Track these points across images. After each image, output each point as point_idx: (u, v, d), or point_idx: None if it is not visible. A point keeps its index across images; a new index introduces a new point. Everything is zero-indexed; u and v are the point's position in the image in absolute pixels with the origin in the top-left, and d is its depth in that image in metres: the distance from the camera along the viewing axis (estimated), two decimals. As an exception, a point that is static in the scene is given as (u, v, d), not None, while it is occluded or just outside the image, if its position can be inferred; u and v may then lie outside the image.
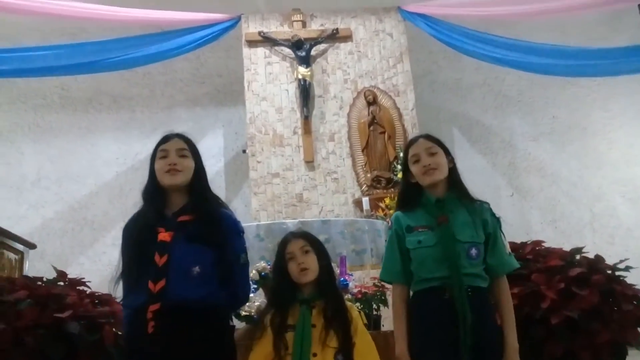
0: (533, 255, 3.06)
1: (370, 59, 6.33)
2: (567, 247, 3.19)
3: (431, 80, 7.02)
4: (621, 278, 2.96)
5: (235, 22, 6.34)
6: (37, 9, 5.54)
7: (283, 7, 6.39)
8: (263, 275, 3.14)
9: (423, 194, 2.12)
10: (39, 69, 5.84)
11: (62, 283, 3.07)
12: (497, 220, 2.12)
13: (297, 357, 1.89)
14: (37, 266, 4.53)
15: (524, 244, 3.19)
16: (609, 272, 2.96)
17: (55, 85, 6.66)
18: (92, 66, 5.96)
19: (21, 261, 4.16)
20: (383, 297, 3.13)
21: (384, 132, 5.96)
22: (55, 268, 3.18)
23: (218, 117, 6.85)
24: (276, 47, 6.29)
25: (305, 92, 6.04)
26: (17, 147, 6.52)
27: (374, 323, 3.07)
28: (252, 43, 6.31)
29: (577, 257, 3.08)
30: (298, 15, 6.35)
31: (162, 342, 1.78)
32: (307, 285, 2.03)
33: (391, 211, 4.60)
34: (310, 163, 5.97)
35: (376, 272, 2.78)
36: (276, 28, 6.36)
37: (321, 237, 3.71)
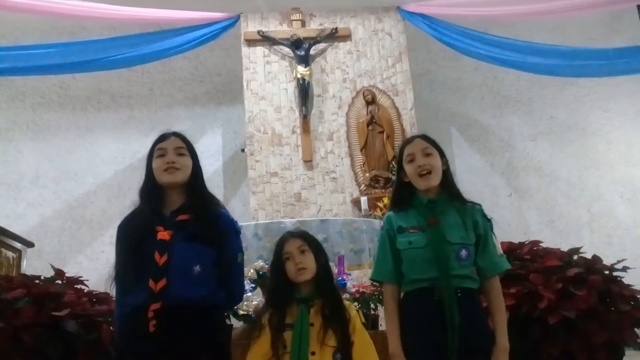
0: (531, 256, 3.07)
1: (369, 59, 6.33)
2: (564, 248, 3.20)
3: (430, 79, 7.03)
4: (618, 278, 2.97)
5: (234, 21, 6.34)
6: (36, 7, 5.53)
7: (282, 6, 6.39)
8: (261, 275, 3.15)
9: (415, 195, 2.12)
10: (37, 67, 5.82)
11: (59, 282, 3.08)
12: (489, 221, 2.12)
13: (295, 356, 1.89)
14: (34, 265, 4.53)
15: (521, 244, 3.20)
16: (607, 272, 2.97)
17: (54, 83, 6.66)
18: (91, 65, 5.96)
19: (19, 260, 4.16)
20: (381, 297, 3.13)
21: (382, 132, 5.96)
22: (53, 267, 3.19)
23: (217, 116, 6.85)
24: (275, 46, 6.29)
25: (304, 92, 6.04)
26: (15, 146, 6.51)
27: (371, 322, 3.08)
28: (251, 42, 6.30)
29: (575, 257, 3.09)
30: (297, 15, 6.35)
31: (163, 341, 1.79)
32: (304, 284, 2.03)
33: (390, 211, 4.59)
34: (308, 162, 5.97)
35: (374, 272, 2.78)
36: (275, 27, 6.36)
37: (319, 237, 3.72)
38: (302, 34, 6.20)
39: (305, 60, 6.11)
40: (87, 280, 3.14)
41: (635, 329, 2.82)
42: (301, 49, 6.12)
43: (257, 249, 3.87)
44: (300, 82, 6.04)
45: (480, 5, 6.27)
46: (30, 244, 4.39)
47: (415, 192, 2.13)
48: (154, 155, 2.02)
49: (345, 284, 3.16)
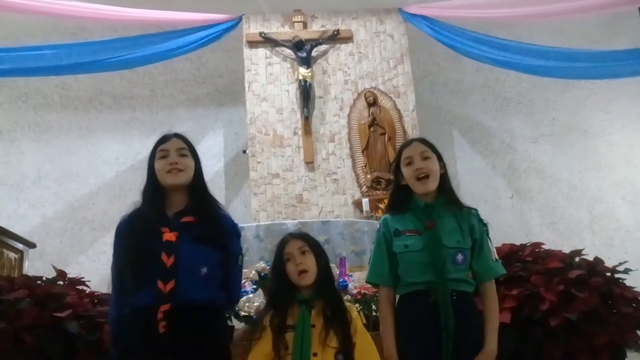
0: (532, 257, 3.07)
1: (370, 60, 6.34)
2: (566, 249, 3.20)
3: (431, 81, 7.03)
4: (620, 280, 2.97)
5: (236, 22, 6.34)
6: (38, 8, 5.55)
7: (284, 8, 6.40)
8: (262, 276, 3.15)
9: (412, 198, 2.13)
10: (39, 68, 5.83)
11: (61, 282, 3.08)
12: (485, 226, 2.12)
13: (297, 357, 1.89)
14: (36, 265, 4.53)
15: (523, 246, 3.20)
16: (608, 274, 2.97)
17: (56, 84, 6.67)
18: (92, 66, 5.96)
19: (21, 260, 4.16)
20: (382, 298, 3.13)
21: (384, 134, 5.96)
22: (55, 267, 3.19)
23: (218, 118, 6.85)
24: (277, 48, 6.29)
25: (306, 93, 6.04)
26: (17, 146, 6.52)
27: (373, 324, 3.08)
28: (252, 44, 6.31)
29: (577, 259, 3.09)
30: (299, 16, 6.35)
31: (172, 342, 1.79)
32: (306, 286, 2.03)
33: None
34: (310, 164, 5.98)
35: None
36: (277, 29, 6.37)
37: (321, 238, 3.73)
38: (304, 36, 6.21)
39: (307, 61, 6.11)
40: (88, 281, 3.15)
41: (637, 331, 2.82)
42: (303, 51, 6.12)
43: (259, 250, 3.88)
44: (302, 83, 6.05)
45: (482, 8, 6.28)
46: (31, 245, 4.40)
47: (412, 195, 2.13)
48: (156, 156, 2.02)
49: (346, 285, 3.16)
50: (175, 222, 1.93)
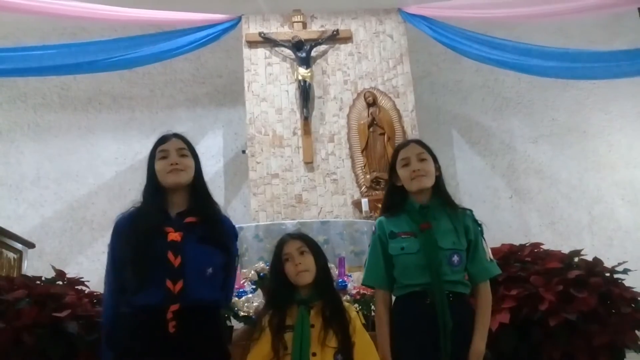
0: (532, 258, 3.07)
1: (370, 61, 6.34)
2: (565, 250, 3.20)
3: (431, 82, 7.03)
4: (619, 281, 2.97)
5: (235, 22, 6.34)
6: (37, 8, 5.54)
7: (283, 8, 6.40)
8: (262, 276, 3.15)
9: (407, 200, 2.12)
10: (38, 68, 5.83)
11: (60, 282, 3.08)
12: (479, 226, 2.12)
13: (297, 357, 1.89)
14: (35, 265, 4.54)
15: (522, 246, 3.20)
16: (607, 274, 2.97)
17: (55, 84, 6.66)
18: (92, 66, 5.96)
19: (20, 260, 4.16)
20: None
21: (383, 134, 5.96)
22: (54, 267, 3.19)
23: (218, 118, 6.85)
24: (276, 48, 6.29)
25: (305, 93, 6.04)
26: (16, 147, 6.51)
27: (372, 324, 3.08)
28: (252, 44, 6.31)
29: (576, 259, 3.09)
30: (298, 16, 6.35)
31: (180, 341, 1.80)
32: (304, 286, 2.03)
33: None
34: (309, 164, 5.97)
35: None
36: (276, 29, 6.37)
37: (320, 238, 3.74)
38: (304, 36, 6.20)
39: (307, 62, 6.11)
40: (87, 281, 3.15)
41: (636, 331, 2.82)
42: (302, 51, 6.12)
43: (258, 250, 3.88)
44: (302, 83, 6.05)
45: (481, 8, 6.28)
46: (31, 245, 4.40)
47: (407, 197, 2.13)
48: (156, 157, 2.02)
49: (346, 285, 3.16)
50: (178, 222, 1.93)
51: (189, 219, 1.94)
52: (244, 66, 6.23)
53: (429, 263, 1.98)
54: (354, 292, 3.13)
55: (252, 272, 3.20)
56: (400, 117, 6.08)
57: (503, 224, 6.33)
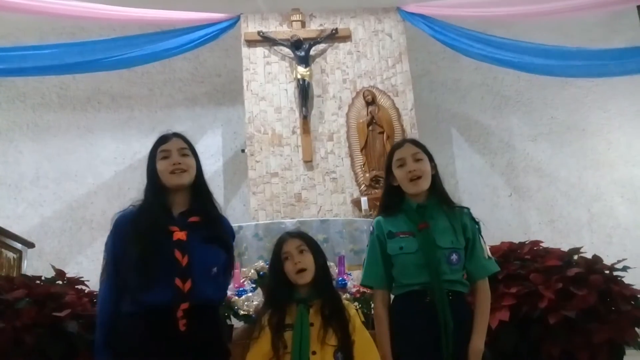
0: (531, 255, 3.07)
1: (369, 59, 6.33)
2: (565, 247, 3.20)
3: (430, 80, 7.03)
4: (619, 278, 2.97)
5: (234, 21, 6.34)
6: (36, 7, 5.53)
7: (282, 7, 6.39)
8: (261, 275, 3.15)
9: (404, 199, 2.13)
10: (37, 68, 5.82)
11: (60, 282, 3.08)
12: (477, 224, 2.12)
13: (296, 356, 1.89)
14: (35, 265, 4.54)
15: (522, 244, 3.20)
16: (607, 272, 2.97)
17: (54, 84, 6.66)
18: (90, 65, 5.96)
19: (19, 260, 4.16)
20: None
21: (382, 132, 5.96)
22: (53, 267, 3.19)
23: (217, 117, 6.85)
24: (275, 47, 6.29)
25: (304, 92, 6.04)
26: (15, 146, 6.51)
27: (372, 322, 3.08)
28: (251, 43, 6.30)
29: (575, 257, 3.10)
30: (297, 15, 6.35)
31: (190, 340, 1.80)
32: (303, 284, 2.03)
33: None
34: (309, 163, 5.97)
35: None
36: (275, 28, 6.36)
37: (320, 237, 3.74)
38: (302, 35, 6.20)
39: (305, 60, 6.11)
40: (87, 280, 3.15)
41: (636, 329, 2.83)
42: (301, 50, 6.12)
43: (258, 249, 3.88)
44: (300, 82, 6.04)
45: (480, 6, 6.27)
46: (30, 245, 4.40)
47: (404, 196, 2.13)
48: (158, 157, 2.02)
49: (345, 284, 3.17)
50: (182, 222, 1.93)
51: (192, 219, 1.94)
52: (242, 65, 6.23)
53: (428, 262, 1.98)
54: (353, 290, 3.13)
55: (252, 270, 3.20)
56: (399, 115, 6.08)
57: (502, 222, 6.34)
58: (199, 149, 2.12)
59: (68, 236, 6.27)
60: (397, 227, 2.08)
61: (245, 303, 2.91)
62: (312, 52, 6.21)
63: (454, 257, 2.01)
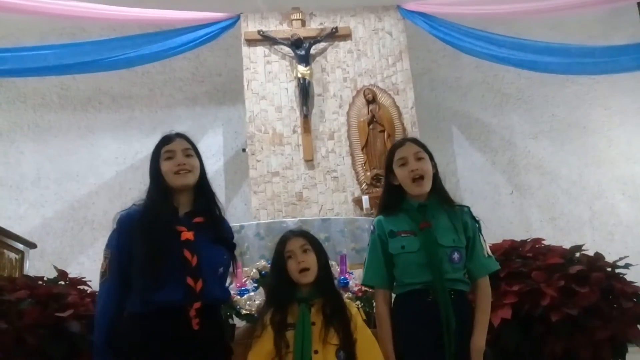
0: (533, 253, 3.08)
1: (369, 58, 6.33)
2: (566, 245, 3.20)
3: (430, 78, 7.02)
4: (621, 275, 2.98)
5: (234, 21, 6.33)
6: (35, 8, 5.53)
7: (282, 6, 6.38)
8: (263, 274, 3.15)
9: (405, 198, 2.12)
10: (38, 68, 5.82)
11: (62, 282, 3.08)
12: (477, 223, 2.12)
13: (298, 355, 1.89)
14: (37, 266, 4.55)
15: (523, 242, 3.21)
16: (609, 269, 2.97)
17: (55, 84, 6.66)
18: (91, 65, 5.95)
19: (21, 261, 4.16)
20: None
21: (383, 131, 5.95)
22: (56, 267, 3.20)
23: (217, 116, 6.84)
24: (275, 46, 6.28)
25: (305, 91, 6.03)
26: (16, 147, 6.51)
27: (373, 321, 3.08)
28: (251, 42, 6.30)
29: (577, 254, 3.10)
30: (297, 14, 6.34)
31: (202, 338, 1.82)
32: (305, 284, 2.04)
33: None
34: (309, 162, 5.97)
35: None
36: (275, 27, 6.36)
37: (321, 236, 3.74)
38: (303, 34, 6.20)
39: (306, 59, 6.11)
40: (89, 280, 3.15)
41: (638, 326, 2.83)
42: (301, 49, 6.11)
43: (259, 248, 3.89)
44: (301, 81, 6.04)
45: (480, 4, 6.26)
46: (32, 245, 4.40)
47: (404, 195, 2.13)
48: (162, 157, 2.01)
49: (347, 282, 3.17)
50: (188, 222, 1.93)
51: (197, 219, 1.95)
52: (243, 64, 6.22)
53: (430, 261, 1.98)
54: (355, 289, 3.13)
55: (254, 270, 3.20)
56: (400, 114, 6.08)
57: (504, 220, 6.33)
58: (200, 148, 2.12)
59: (70, 236, 6.28)
60: (399, 226, 2.08)
61: (248, 302, 2.92)
62: (312, 51, 6.20)
63: (456, 255, 2.01)
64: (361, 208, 5.49)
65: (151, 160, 2.04)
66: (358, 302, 2.94)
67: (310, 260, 2.04)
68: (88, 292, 3.03)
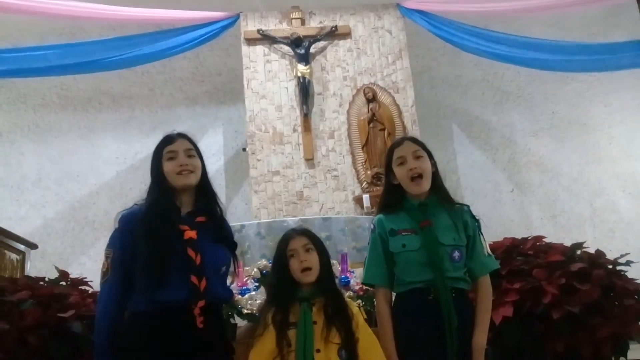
0: (534, 251, 3.07)
1: (369, 56, 6.33)
2: (567, 243, 3.20)
3: (430, 76, 7.02)
4: (622, 273, 2.97)
5: (234, 20, 6.33)
6: (35, 8, 5.53)
7: (282, 5, 6.38)
8: (264, 274, 3.16)
9: (405, 197, 2.12)
10: (38, 69, 5.82)
11: (64, 283, 3.09)
12: (477, 222, 2.12)
13: (300, 354, 1.89)
14: (38, 266, 4.55)
15: (524, 240, 3.20)
16: (610, 266, 2.97)
17: (55, 85, 6.66)
18: (91, 66, 5.95)
19: (23, 261, 4.17)
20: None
21: (383, 129, 5.95)
22: (57, 268, 3.20)
23: (218, 116, 6.85)
24: (275, 45, 6.28)
25: (305, 90, 6.03)
26: (17, 148, 6.52)
27: (375, 319, 3.08)
28: (251, 41, 6.30)
29: (578, 252, 3.09)
30: (297, 13, 6.34)
31: (206, 337, 1.83)
32: (307, 283, 2.03)
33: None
34: (310, 161, 5.97)
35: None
36: (275, 26, 6.35)
37: (322, 235, 3.73)
38: (302, 33, 6.20)
39: (306, 58, 6.11)
40: (91, 281, 3.15)
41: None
42: (301, 48, 6.11)
43: (260, 247, 3.89)
44: (301, 80, 6.04)
45: (480, 2, 6.26)
46: (33, 246, 4.41)
47: (404, 194, 2.13)
48: (164, 157, 2.01)
49: (348, 281, 3.17)
50: (190, 221, 1.94)
51: (199, 219, 1.96)
52: (243, 64, 6.22)
53: (431, 260, 1.98)
54: (356, 288, 3.13)
55: (255, 269, 3.21)
56: (400, 112, 6.07)
57: (504, 218, 6.34)
58: (200, 148, 2.12)
59: (71, 237, 6.28)
60: (399, 225, 2.08)
61: (249, 302, 2.92)
62: (312, 50, 6.20)
63: (457, 254, 2.01)
64: (362, 207, 5.49)
65: (153, 160, 2.04)
66: (359, 301, 2.94)
67: (313, 259, 2.04)
68: (89, 292, 3.03)
